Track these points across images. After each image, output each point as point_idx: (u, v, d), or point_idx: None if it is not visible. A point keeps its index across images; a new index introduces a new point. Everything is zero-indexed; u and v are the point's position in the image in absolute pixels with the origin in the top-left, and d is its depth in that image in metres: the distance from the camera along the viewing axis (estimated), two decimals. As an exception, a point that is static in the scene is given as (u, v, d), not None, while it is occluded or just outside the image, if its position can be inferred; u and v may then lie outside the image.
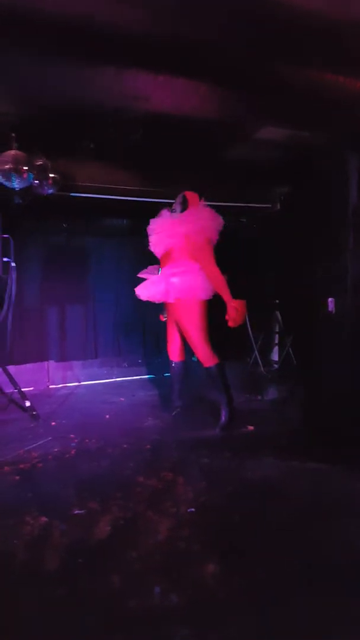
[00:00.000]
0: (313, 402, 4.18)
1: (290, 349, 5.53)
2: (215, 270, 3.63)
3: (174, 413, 4.12)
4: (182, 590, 1.84)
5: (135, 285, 4.34)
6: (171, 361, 4.13)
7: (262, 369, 5.65)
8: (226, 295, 3.61)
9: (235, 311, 3.57)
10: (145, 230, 4.10)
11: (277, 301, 5.78)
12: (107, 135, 4.00)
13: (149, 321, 5.53)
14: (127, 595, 1.82)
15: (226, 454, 3.18)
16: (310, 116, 3.76)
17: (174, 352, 4.09)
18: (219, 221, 3.79)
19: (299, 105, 3.55)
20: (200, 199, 3.92)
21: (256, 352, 5.67)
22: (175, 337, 4.05)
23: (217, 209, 5.16)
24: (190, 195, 3.93)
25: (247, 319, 5.65)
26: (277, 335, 5.86)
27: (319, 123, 3.87)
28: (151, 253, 4.03)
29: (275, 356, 5.94)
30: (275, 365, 5.83)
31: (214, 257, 3.68)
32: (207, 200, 5.16)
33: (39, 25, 2.45)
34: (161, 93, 3.35)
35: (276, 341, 5.86)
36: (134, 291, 3.92)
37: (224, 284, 3.61)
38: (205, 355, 3.72)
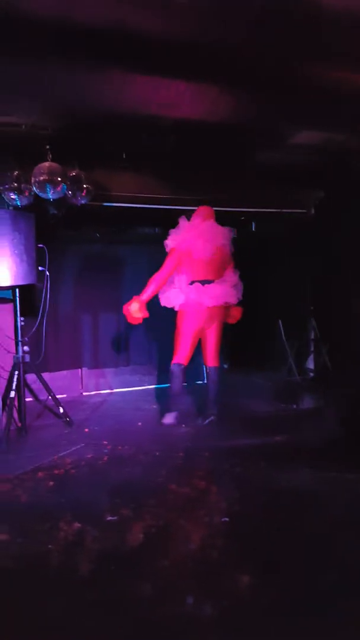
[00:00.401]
0: (351, 410, 4.08)
1: (326, 357, 5.42)
2: (155, 275, 4.08)
3: (207, 421, 4.11)
4: (214, 600, 1.81)
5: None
6: (205, 367, 4.34)
7: (297, 377, 5.56)
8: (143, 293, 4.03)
9: (127, 310, 4.03)
10: None
11: (313, 308, 5.70)
12: (140, 144, 4.06)
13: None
14: (158, 603, 1.81)
15: (260, 463, 3.13)
16: (341, 118, 3.73)
17: (204, 358, 4.27)
18: (194, 235, 4.07)
19: (328, 107, 3.52)
20: (208, 213, 4.20)
21: (291, 360, 5.59)
22: (204, 343, 4.21)
23: (251, 215, 5.15)
24: (198, 209, 4.22)
25: (281, 326, 5.61)
26: (312, 343, 5.77)
27: (349, 125, 3.82)
28: None
29: (311, 364, 5.83)
30: (311, 374, 5.73)
31: (176, 267, 4.08)
32: (239, 206, 5.17)
33: (71, 35, 2.51)
34: (192, 100, 3.37)
35: (312, 349, 5.76)
36: (165, 298, 4.17)
37: (148, 285, 4.06)
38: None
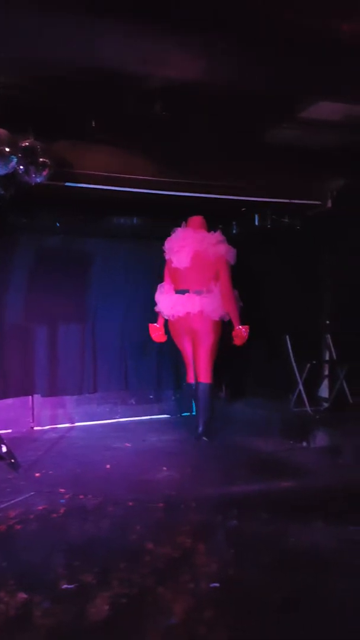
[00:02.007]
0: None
1: (344, 383, 5.44)
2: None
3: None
4: None
5: (150, 300, 5.02)
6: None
7: (307, 408, 5.57)
8: None
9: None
10: (162, 231, 4.22)
11: (328, 322, 5.73)
12: (116, 110, 4.06)
13: (167, 347, 5.48)
14: None
15: (262, 516, 3.13)
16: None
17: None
18: (175, 243, 4.92)
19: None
20: (198, 223, 4.96)
21: (300, 386, 5.61)
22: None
23: (254, 206, 5.28)
24: (189, 220, 4.97)
25: (289, 345, 5.63)
26: (327, 365, 5.79)
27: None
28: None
29: (324, 392, 5.86)
30: (325, 404, 5.75)
31: (165, 277, 5.03)
32: (239, 194, 5.22)
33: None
34: (182, 56, 3.38)
35: (326, 373, 5.79)
36: (147, 308, 4.68)
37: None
38: None
